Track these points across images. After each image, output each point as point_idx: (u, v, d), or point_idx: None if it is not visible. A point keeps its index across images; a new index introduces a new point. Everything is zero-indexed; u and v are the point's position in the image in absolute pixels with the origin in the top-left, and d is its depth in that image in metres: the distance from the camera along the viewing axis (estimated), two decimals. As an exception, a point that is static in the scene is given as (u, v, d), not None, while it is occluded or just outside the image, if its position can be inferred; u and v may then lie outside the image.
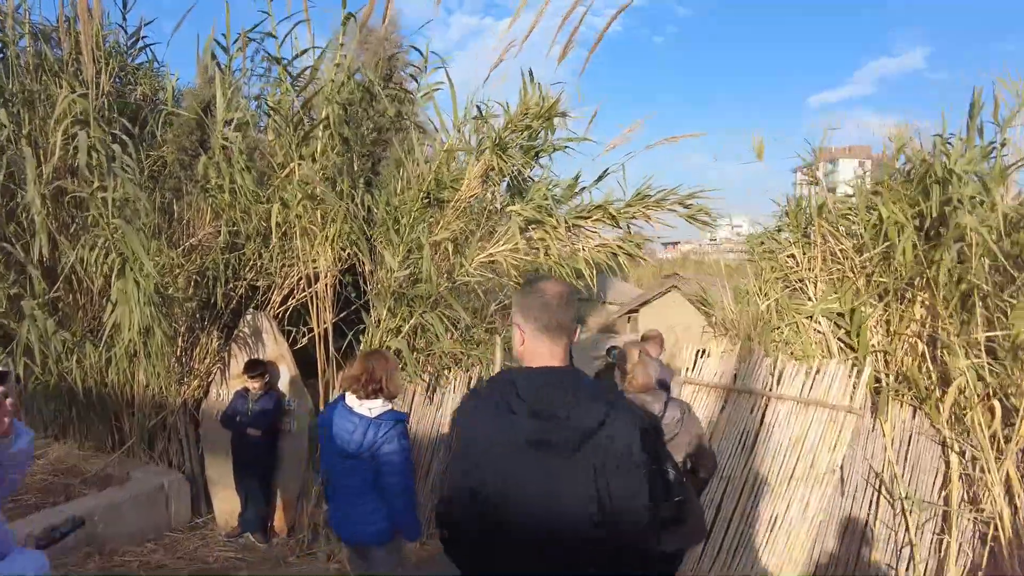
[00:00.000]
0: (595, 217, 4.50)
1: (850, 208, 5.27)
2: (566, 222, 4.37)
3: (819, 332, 5.46)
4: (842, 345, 5.42)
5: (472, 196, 5.09)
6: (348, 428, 2.97)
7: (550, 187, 4.74)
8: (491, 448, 1.62)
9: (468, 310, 5.83)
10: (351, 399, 3.04)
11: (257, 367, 5.62)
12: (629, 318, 23.30)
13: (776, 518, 4.68)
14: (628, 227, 4.64)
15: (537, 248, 4.84)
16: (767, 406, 5.07)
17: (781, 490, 4.72)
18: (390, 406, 3.04)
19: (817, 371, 4.93)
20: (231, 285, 6.35)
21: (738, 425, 5.14)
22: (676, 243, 74.46)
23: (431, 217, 5.25)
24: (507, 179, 5.19)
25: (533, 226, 4.77)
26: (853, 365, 5.09)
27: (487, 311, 6.00)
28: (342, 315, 6.34)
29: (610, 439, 1.51)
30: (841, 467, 4.70)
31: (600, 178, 5.06)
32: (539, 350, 1.66)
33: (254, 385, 5.52)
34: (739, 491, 4.93)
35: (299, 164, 5.03)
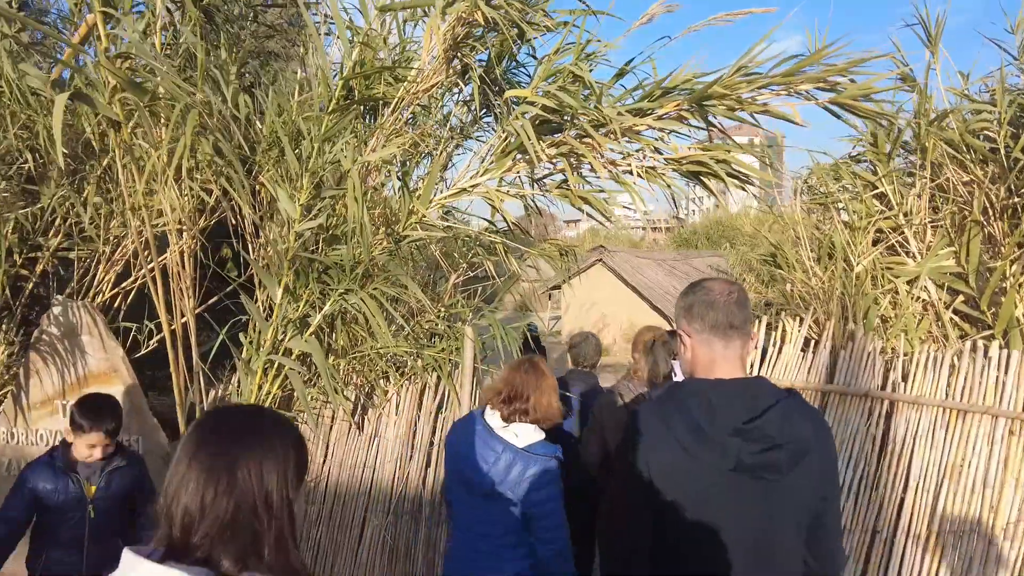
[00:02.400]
0: (662, 112, 2.46)
1: (985, 120, 3.52)
2: (615, 121, 2.30)
3: (924, 301, 3.73)
4: (957, 320, 3.71)
5: (430, 89, 2.91)
6: (487, 456, 2.15)
7: (581, 58, 2.61)
8: (683, 481, 1.34)
9: (418, 286, 3.69)
10: (493, 417, 2.23)
11: (102, 417, 2.48)
12: (550, 295, 21.60)
13: (942, 595, 2.89)
14: (711, 129, 2.61)
15: (559, 168, 2.74)
16: (890, 414, 3.27)
17: (944, 546, 2.94)
18: (543, 435, 2.21)
19: (966, 360, 3.15)
20: (22, 258, 3.83)
21: (847, 444, 3.30)
22: (577, 220, 74.47)
23: (355, 131, 3.02)
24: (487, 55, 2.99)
25: (547, 138, 2.65)
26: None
27: (447, 287, 3.86)
28: (212, 302, 3.99)
29: (819, 461, 1.34)
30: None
31: (621, 73, 2.99)
32: (712, 356, 1.40)
33: (92, 451, 2.48)
34: (865, 544, 3.13)
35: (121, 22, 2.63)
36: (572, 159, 2.69)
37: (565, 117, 2.58)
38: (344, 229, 3.26)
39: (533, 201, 3.65)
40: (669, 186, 2.68)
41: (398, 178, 3.03)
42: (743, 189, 2.74)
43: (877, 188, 3.87)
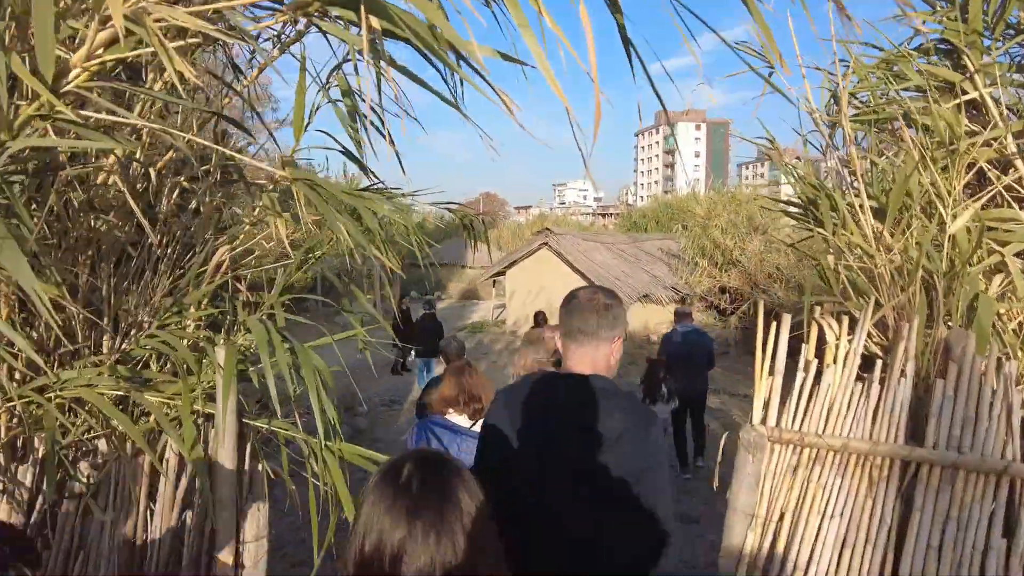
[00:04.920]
0: None
1: None
2: None
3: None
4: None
5: None
6: (464, 451, 2.32)
7: None
8: (514, 451, 1.52)
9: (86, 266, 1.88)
10: (458, 419, 2.45)
11: None
12: (495, 281, 19.86)
13: None
14: None
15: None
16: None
17: None
18: None
19: None
20: None
21: (966, 563, 1.65)
22: (528, 207, 72.67)
23: None
24: None
25: None
26: None
27: (206, 272, 2.03)
28: None
29: (631, 447, 1.45)
30: None
31: None
32: (567, 354, 1.57)
33: None
34: None
35: None
36: None
37: None
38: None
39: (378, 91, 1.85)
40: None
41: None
42: None
43: (966, 93, 2.20)
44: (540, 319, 7.90)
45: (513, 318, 17.55)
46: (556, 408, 1.49)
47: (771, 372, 1.96)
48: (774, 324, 1.95)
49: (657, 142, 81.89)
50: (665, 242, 19.25)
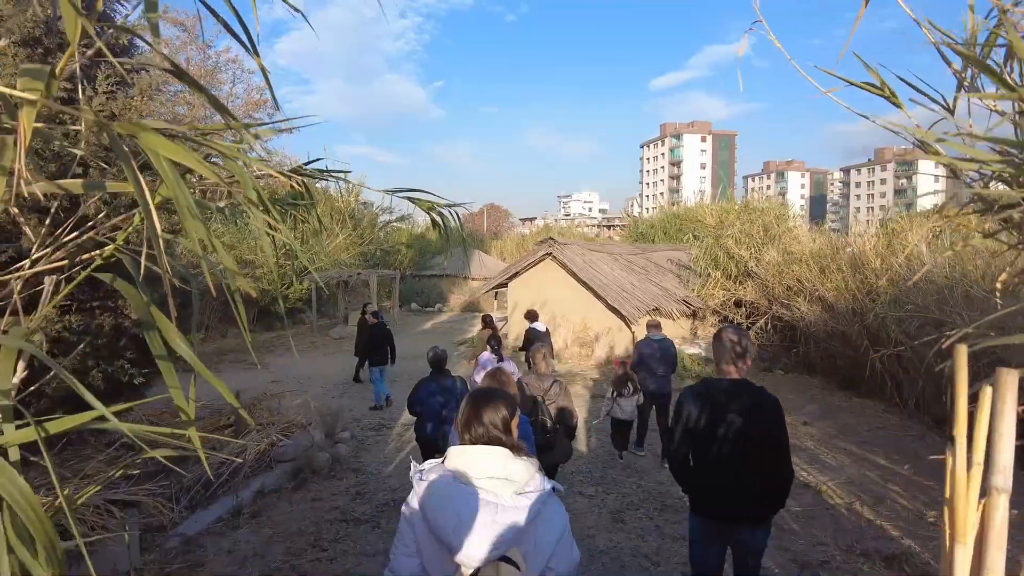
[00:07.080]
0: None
1: None
2: None
3: None
4: None
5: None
6: None
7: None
8: (702, 423, 3.01)
9: None
10: None
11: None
12: (496, 293, 18.83)
13: None
14: None
15: None
16: None
17: None
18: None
19: None
20: None
21: None
22: (533, 218, 71.75)
23: None
24: None
25: None
26: None
27: None
28: None
29: (763, 415, 2.95)
30: None
31: None
32: (724, 368, 3.06)
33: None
34: None
35: None
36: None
37: None
38: None
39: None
40: None
41: None
42: None
43: None
44: (488, 321, 8.99)
45: (515, 332, 16.45)
46: (725, 397, 3.01)
47: (985, 491, 0.96)
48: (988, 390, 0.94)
49: (663, 154, 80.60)
50: (675, 253, 18.23)
